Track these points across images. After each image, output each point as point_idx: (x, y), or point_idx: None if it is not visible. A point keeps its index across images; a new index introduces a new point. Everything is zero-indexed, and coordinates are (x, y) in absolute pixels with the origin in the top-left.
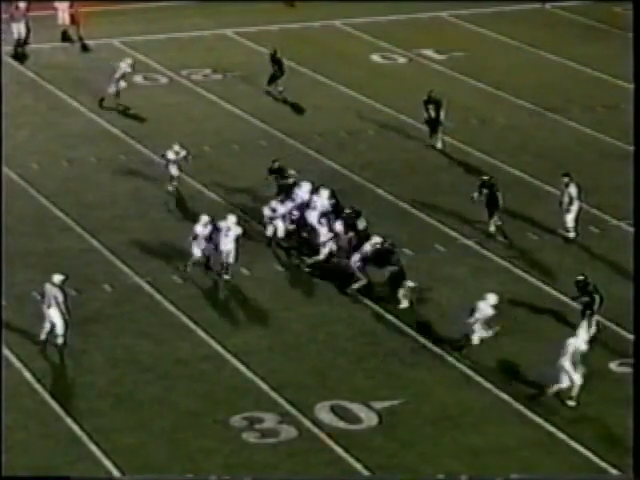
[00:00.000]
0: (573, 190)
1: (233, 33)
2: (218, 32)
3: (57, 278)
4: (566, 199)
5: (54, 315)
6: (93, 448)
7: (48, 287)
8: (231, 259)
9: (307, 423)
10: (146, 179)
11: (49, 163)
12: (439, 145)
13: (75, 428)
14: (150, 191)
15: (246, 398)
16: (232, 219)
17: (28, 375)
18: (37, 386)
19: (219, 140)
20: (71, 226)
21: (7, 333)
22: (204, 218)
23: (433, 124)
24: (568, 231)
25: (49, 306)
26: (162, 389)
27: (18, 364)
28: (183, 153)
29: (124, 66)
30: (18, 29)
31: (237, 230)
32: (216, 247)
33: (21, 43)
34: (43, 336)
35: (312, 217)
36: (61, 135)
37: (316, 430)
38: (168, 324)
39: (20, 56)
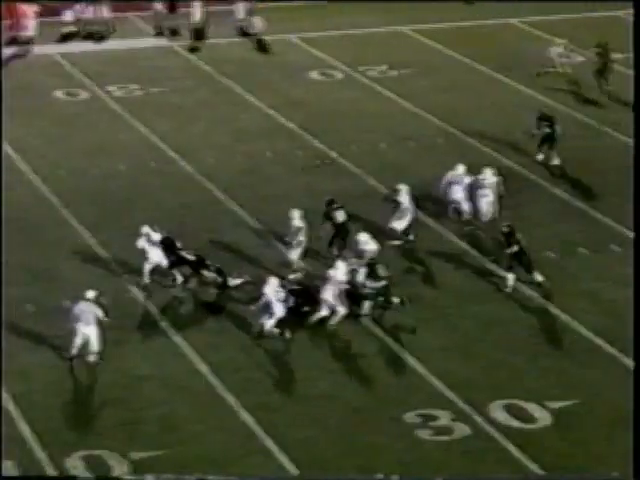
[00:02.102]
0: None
1: (409, 30)
2: (393, 29)
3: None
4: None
5: (90, 332)
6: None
7: (83, 304)
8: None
9: (481, 421)
10: (320, 174)
11: (225, 157)
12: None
13: (250, 421)
14: (324, 186)
15: (419, 395)
16: (489, 171)
17: (203, 367)
18: (212, 379)
19: (394, 137)
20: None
21: None
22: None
23: None
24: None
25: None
26: (331, 385)
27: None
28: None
29: (554, 48)
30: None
31: (494, 179)
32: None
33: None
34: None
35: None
36: (236, 130)
37: (490, 428)
38: None
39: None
